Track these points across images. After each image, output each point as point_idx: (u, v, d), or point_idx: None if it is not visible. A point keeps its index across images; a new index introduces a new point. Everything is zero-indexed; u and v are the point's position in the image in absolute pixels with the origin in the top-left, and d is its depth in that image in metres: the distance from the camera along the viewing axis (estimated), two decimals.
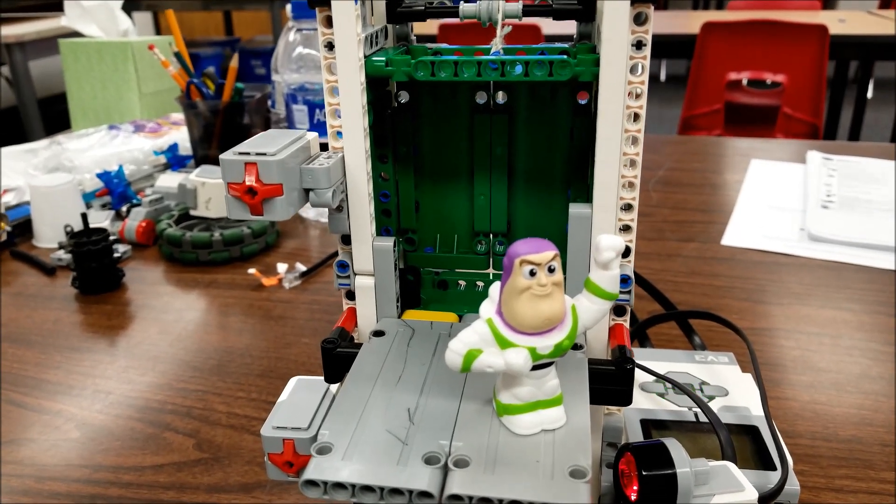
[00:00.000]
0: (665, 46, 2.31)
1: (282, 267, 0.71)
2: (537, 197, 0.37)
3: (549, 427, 0.26)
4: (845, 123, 2.59)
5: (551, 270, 0.24)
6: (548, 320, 0.24)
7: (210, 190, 0.75)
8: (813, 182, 0.92)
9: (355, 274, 0.35)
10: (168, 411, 0.51)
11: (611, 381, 0.30)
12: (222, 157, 0.29)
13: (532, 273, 0.24)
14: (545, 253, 0.24)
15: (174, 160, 0.93)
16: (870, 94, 3.18)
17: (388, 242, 0.34)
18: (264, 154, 0.29)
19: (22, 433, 0.50)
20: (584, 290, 0.26)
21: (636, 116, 0.31)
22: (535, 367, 0.25)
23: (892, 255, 0.74)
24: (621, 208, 0.32)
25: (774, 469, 0.36)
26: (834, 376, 0.54)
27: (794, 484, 0.34)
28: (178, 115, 1.10)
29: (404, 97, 0.36)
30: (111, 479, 0.45)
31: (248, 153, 0.29)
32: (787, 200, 0.89)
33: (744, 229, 0.81)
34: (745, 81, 2.05)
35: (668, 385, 0.43)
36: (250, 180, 0.29)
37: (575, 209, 0.32)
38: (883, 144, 1.11)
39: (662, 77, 4.29)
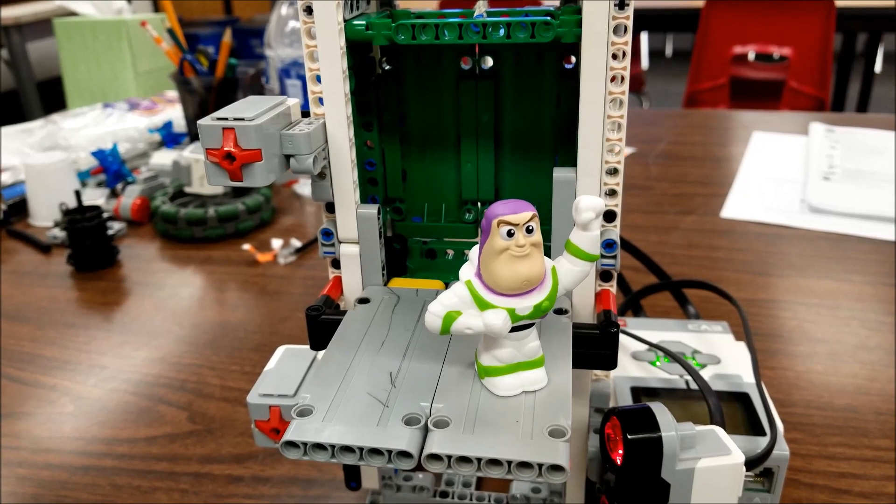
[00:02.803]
0: (669, 20, 2.28)
1: (276, 243, 0.71)
2: (525, 164, 0.37)
3: (529, 389, 0.26)
4: (853, 98, 2.56)
5: (529, 231, 0.24)
6: (526, 281, 0.24)
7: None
8: (815, 154, 0.91)
9: (340, 242, 0.34)
10: (162, 385, 0.52)
11: (596, 345, 0.30)
12: (200, 122, 0.29)
13: (510, 234, 0.24)
14: (523, 213, 0.24)
15: (169, 137, 0.93)
16: (878, 69, 3.14)
17: (372, 210, 0.34)
18: (242, 119, 0.28)
19: (18, 407, 0.50)
20: (565, 251, 0.26)
21: (621, 78, 0.30)
22: (514, 329, 0.25)
23: (893, 226, 0.73)
24: (607, 172, 0.31)
25: (764, 435, 0.36)
26: (831, 346, 0.54)
27: (782, 449, 0.34)
28: (174, 93, 1.10)
29: (388, 63, 0.36)
30: (105, 451, 0.45)
31: (226, 118, 0.28)
32: (788, 172, 0.88)
33: (744, 202, 0.81)
34: (751, 55, 2.02)
35: (660, 353, 0.42)
36: (228, 146, 0.28)
37: (559, 173, 0.31)
38: (887, 116, 1.09)
39: (668, 52, 4.24)
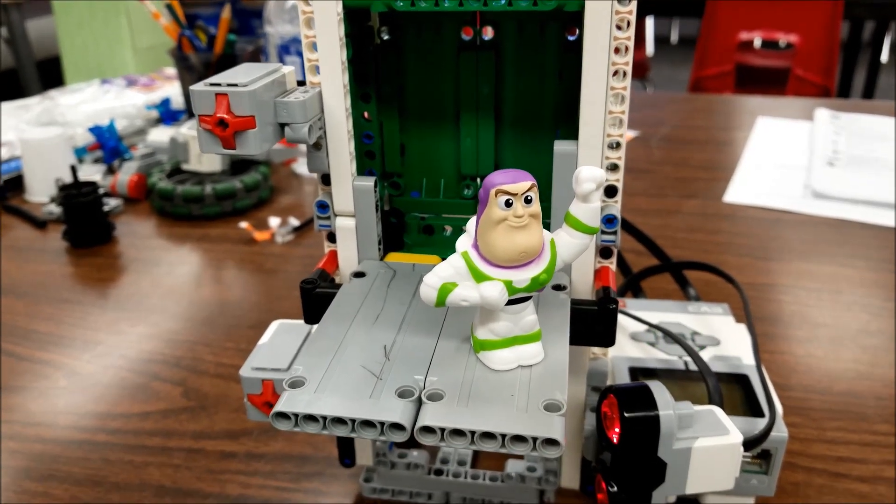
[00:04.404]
0: (675, 4, 2.25)
1: (274, 221, 0.71)
2: (526, 139, 0.36)
3: (525, 363, 0.25)
4: (858, 87, 2.53)
5: (528, 201, 0.23)
6: (524, 253, 0.24)
7: None
8: (819, 139, 0.90)
9: (336, 215, 0.34)
10: (157, 361, 0.51)
11: (594, 322, 0.29)
12: (192, 88, 0.28)
13: (508, 203, 0.23)
14: (521, 183, 0.23)
15: (166, 114, 0.92)
16: (884, 58, 3.11)
17: (368, 182, 0.33)
18: (236, 85, 0.28)
19: (11, 381, 0.50)
20: (564, 223, 0.25)
21: (625, 48, 0.29)
22: (511, 302, 0.25)
23: (895, 212, 0.72)
24: (609, 146, 0.31)
25: (763, 416, 0.35)
26: (831, 331, 0.54)
27: (781, 430, 0.34)
28: (172, 70, 1.09)
29: (387, 33, 0.35)
30: (98, 426, 0.45)
31: (219, 84, 0.28)
32: (792, 158, 0.87)
33: (747, 186, 0.80)
34: (757, 42, 2.00)
35: (659, 334, 0.42)
36: (221, 112, 0.28)
37: (560, 146, 0.31)
38: (892, 103, 1.08)
39: (674, 39, 4.20)
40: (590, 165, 0.29)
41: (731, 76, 2.02)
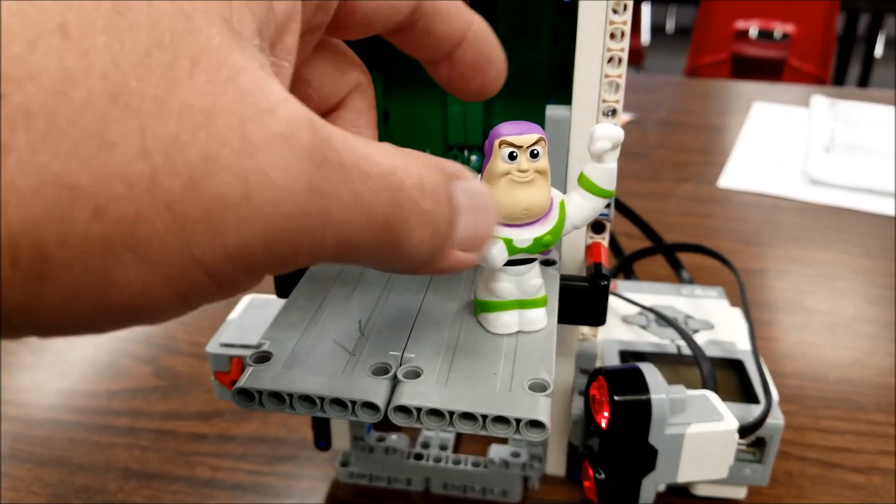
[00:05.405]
0: None
1: None
2: (516, 106, 0.34)
3: (528, 329, 0.24)
4: (852, 82, 2.52)
5: (534, 156, 0.22)
6: (526, 210, 0.22)
7: None
8: (816, 126, 0.89)
9: None
10: (128, 338, 0.49)
11: (583, 299, 0.27)
12: None
13: (512, 156, 0.21)
14: (529, 135, 0.21)
15: None
16: (879, 53, 3.10)
17: None
18: None
19: None
20: (577, 185, 0.24)
21: (623, 7, 0.27)
22: (514, 263, 0.23)
23: (893, 200, 0.71)
24: (604, 113, 0.29)
25: (758, 402, 0.34)
26: (827, 318, 0.52)
27: (777, 418, 0.32)
28: None
29: None
30: (63, 404, 0.43)
31: None
32: (788, 144, 0.86)
33: (742, 171, 0.78)
34: (753, 32, 1.98)
35: (651, 317, 0.40)
36: None
37: (552, 111, 0.29)
38: (888, 92, 1.06)
39: (670, 28, 4.18)
40: (607, 124, 0.27)
41: (726, 65, 2.01)
